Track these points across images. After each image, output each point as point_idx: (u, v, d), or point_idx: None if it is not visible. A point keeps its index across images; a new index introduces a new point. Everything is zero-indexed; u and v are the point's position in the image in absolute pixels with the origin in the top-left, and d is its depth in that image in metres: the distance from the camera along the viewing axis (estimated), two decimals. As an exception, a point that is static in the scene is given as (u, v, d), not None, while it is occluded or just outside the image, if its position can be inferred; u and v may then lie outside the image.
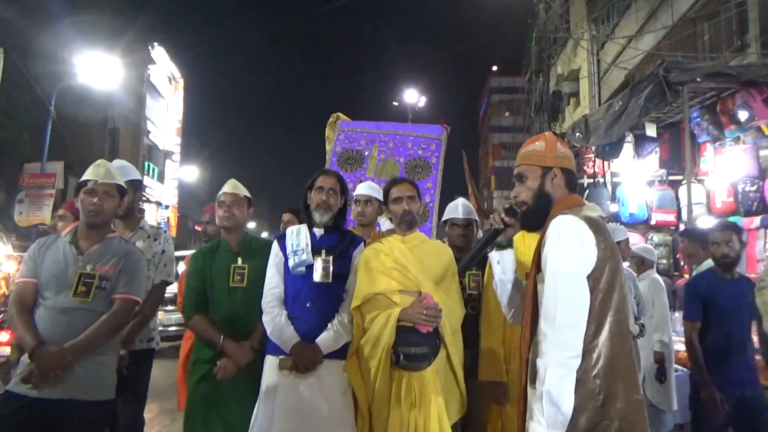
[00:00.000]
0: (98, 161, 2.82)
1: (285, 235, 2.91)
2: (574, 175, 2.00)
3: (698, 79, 4.92)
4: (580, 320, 1.72)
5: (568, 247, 1.76)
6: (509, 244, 2.11)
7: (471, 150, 55.00)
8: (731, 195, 6.43)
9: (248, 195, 3.24)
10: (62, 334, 2.52)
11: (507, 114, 46.58)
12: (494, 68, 51.61)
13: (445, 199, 4.04)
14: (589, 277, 1.74)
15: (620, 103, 5.43)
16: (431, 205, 4.45)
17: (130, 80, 24.20)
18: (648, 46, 12.81)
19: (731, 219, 6.57)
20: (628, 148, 6.87)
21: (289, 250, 2.82)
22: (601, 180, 7.82)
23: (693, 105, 5.67)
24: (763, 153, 6.12)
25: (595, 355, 1.71)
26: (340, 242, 2.91)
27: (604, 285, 1.75)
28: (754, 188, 6.26)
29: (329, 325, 2.76)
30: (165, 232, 3.64)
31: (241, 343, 2.92)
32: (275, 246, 2.92)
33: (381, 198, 3.33)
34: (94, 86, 14.93)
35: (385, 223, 4.05)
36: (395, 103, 30.38)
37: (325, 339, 2.72)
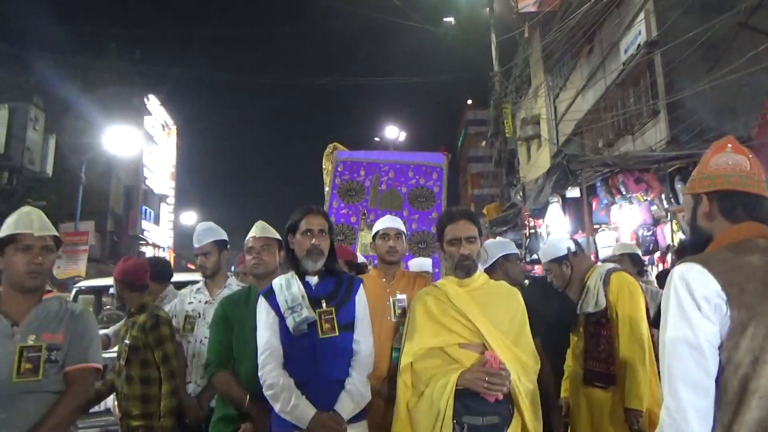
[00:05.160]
0: (27, 209, 2.34)
1: (272, 289, 2.50)
2: (737, 197, 1.50)
3: (592, 165, 7.07)
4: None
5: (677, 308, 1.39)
6: None
7: (451, 180, 57.15)
8: (633, 239, 8.54)
9: (278, 237, 2.93)
10: (8, 429, 2.05)
11: (483, 145, 48.63)
12: (469, 102, 54.19)
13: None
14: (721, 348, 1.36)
15: (541, 181, 7.56)
16: None
17: (127, 133, 26.39)
18: (591, 99, 15.19)
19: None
20: (556, 207, 9.01)
21: (283, 307, 2.41)
22: (539, 231, 10.04)
23: (595, 177, 7.83)
24: (653, 208, 8.28)
25: None
26: (338, 287, 2.54)
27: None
28: (649, 233, 8.41)
29: (346, 385, 2.39)
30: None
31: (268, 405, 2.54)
32: (263, 304, 2.49)
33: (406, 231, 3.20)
34: (118, 154, 17.02)
35: (419, 263, 3.89)
36: (377, 139, 32.55)
37: (346, 404, 2.35)
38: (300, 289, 2.45)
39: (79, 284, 8.01)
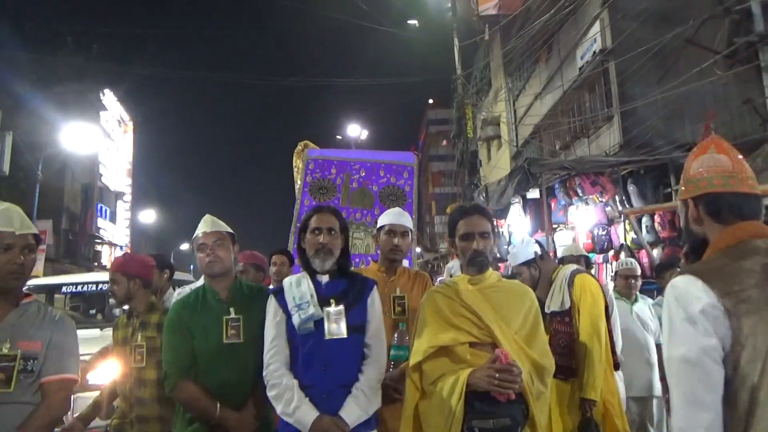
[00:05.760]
0: (6, 205, 2.17)
1: (282, 288, 2.43)
2: (722, 199, 1.45)
3: (552, 168, 7.47)
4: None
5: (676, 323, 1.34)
6: None
7: (412, 178, 57.62)
8: (589, 238, 9.02)
9: (231, 231, 2.74)
10: None
11: (444, 143, 49.04)
12: (430, 101, 54.69)
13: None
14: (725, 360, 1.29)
15: (503, 182, 7.95)
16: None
17: (84, 130, 25.76)
18: (549, 102, 15.75)
19: (590, 255, 9.23)
20: (517, 207, 9.44)
21: (291, 305, 2.35)
22: (501, 230, 10.48)
23: (554, 179, 8.25)
24: (607, 209, 8.77)
25: None
26: (349, 288, 2.45)
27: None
28: (604, 232, 8.90)
29: (353, 390, 2.30)
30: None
31: (242, 412, 2.46)
32: (273, 302, 2.43)
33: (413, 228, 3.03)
34: (74, 152, 16.62)
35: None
36: (339, 137, 32.65)
37: (351, 409, 2.25)
38: (309, 287, 2.38)
39: (28, 282, 7.51)
